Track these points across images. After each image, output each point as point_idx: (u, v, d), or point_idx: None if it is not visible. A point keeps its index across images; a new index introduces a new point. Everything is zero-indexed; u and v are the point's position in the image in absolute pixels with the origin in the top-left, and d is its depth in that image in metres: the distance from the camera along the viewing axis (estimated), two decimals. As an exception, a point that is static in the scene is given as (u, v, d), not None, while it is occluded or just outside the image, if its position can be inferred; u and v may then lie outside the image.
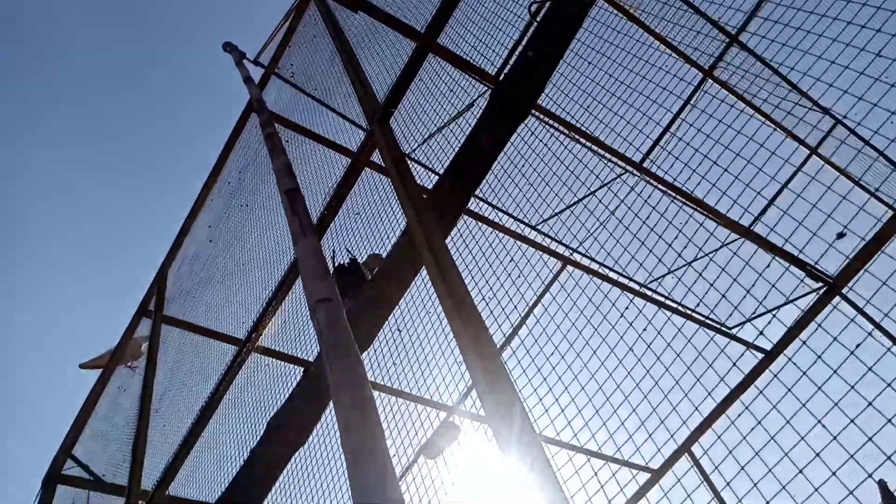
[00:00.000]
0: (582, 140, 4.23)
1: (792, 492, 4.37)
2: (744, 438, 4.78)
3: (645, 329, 4.94)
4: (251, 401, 4.07)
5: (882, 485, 3.96)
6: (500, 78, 4.24)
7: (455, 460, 5.32)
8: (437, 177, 4.57)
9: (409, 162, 4.98)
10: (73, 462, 5.68)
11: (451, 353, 4.72)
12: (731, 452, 4.86)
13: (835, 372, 4.34)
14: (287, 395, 3.54)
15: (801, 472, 4.37)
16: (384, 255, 3.47)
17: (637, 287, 4.99)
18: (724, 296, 4.71)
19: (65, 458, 5.72)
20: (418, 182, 4.41)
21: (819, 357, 4.49)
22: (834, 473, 4.18)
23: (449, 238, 4.53)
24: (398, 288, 3.08)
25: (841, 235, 4.25)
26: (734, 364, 4.89)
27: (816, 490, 4.24)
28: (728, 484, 4.85)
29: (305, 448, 3.51)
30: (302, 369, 3.66)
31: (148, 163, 18.68)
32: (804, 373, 4.56)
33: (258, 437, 3.48)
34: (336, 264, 3.53)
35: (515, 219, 5.08)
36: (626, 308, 4.91)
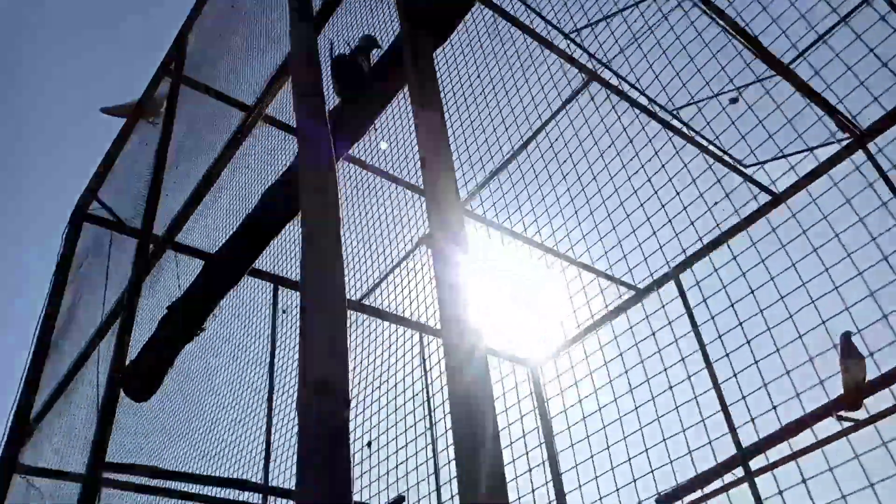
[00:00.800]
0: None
1: (776, 336, 4.50)
2: (743, 275, 4.80)
3: (656, 153, 4.82)
4: (255, 167, 4.21)
5: (845, 336, 4.07)
6: None
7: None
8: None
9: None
10: (98, 203, 6.04)
11: (455, 151, 4.74)
12: (724, 288, 4.93)
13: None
14: (284, 169, 3.65)
15: (791, 317, 4.49)
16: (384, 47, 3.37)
17: (658, 110, 4.84)
18: (741, 137, 4.56)
19: (91, 199, 6.08)
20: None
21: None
22: (824, 322, 4.30)
23: (463, 26, 4.32)
24: (394, 84, 3.02)
25: (733, 101, 4.08)
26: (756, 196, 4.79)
27: (800, 337, 4.38)
28: (713, 318, 4.95)
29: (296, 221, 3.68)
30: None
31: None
32: (826, 217, 4.47)
33: (254, 204, 3.65)
34: (335, 55, 3.45)
35: (546, 20, 4.82)
36: (640, 130, 4.77)
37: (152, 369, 3.57)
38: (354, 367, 4.71)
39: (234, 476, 4.07)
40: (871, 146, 4.32)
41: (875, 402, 4.01)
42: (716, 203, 4.78)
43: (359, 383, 4.67)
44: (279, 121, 4.24)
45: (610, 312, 5.50)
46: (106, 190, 5.97)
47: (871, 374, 4.00)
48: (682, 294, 5.24)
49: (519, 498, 5.22)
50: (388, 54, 3.01)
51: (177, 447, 4.31)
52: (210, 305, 3.72)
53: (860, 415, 4.00)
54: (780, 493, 4.15)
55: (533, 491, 5.29)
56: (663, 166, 4.52)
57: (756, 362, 4.56)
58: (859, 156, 4.38)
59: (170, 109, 5.20)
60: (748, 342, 4.67)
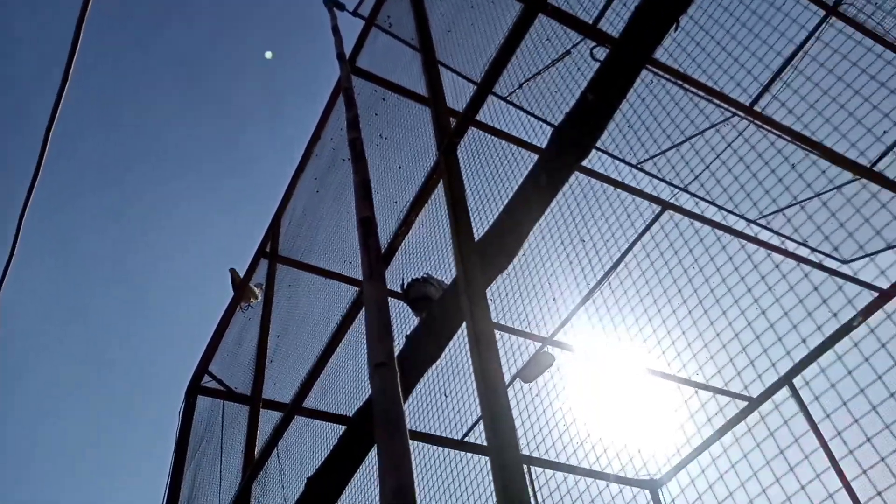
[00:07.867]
0: (689, 87, 4.10)
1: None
2: (849, 373, 4.71)
3: (752, 268, 4.86)
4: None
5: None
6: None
7: (550, 386, 5.63)
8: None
9: (508, 105, 4.96)
10: (210, 377, 6.38)
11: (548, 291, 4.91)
12: (833, 386, 4.84)
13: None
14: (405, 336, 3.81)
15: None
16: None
17: (744, 226, 4.90)
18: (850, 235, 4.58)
19: (202, 373, 6.42)
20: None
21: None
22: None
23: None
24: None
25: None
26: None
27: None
28: (828, 416, 4.84)
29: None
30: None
31: (258, 118, 19.35)
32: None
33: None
34: (408, 283, 3.81)
35: (616, 157, 5.03)
36: (726, 246, 4.83)
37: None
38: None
39: None
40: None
41: None
42: (818, 307, 4.75)
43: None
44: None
45: (724, 425, 5.39)
46: (216, 363, 6.32)
47: None
48: (798, 396, 5.14)
49: None
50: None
51: None
52: (349, 475, 3.78)
53: None
54: None
55: None
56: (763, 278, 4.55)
57: (883, 459, 4.42)
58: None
59: (268, 289, 5.55)
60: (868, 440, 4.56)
